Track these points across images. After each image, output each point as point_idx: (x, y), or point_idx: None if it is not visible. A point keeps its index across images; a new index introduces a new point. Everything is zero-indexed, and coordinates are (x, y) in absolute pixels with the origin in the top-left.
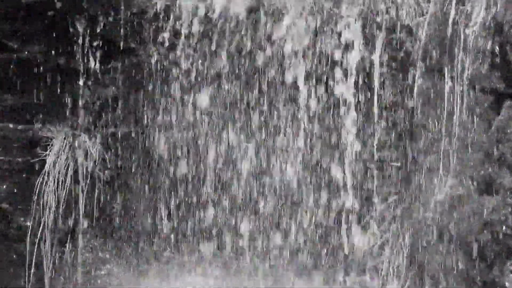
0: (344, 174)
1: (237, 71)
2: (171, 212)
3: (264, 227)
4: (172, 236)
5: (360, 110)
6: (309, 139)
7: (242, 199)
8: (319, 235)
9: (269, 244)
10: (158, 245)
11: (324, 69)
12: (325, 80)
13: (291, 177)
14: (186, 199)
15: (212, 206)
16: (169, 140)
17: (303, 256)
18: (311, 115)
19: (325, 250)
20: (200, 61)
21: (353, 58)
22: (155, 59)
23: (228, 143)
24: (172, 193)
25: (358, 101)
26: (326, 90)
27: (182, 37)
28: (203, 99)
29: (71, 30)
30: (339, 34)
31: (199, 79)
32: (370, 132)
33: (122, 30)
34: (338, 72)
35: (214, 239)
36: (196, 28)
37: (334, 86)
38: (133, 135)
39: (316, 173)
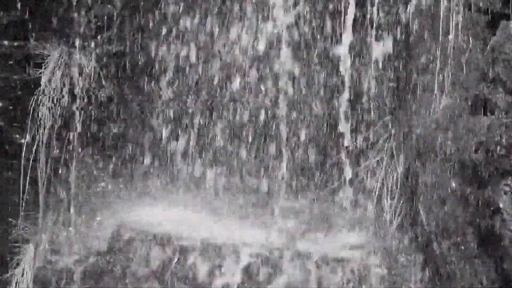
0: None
1: None
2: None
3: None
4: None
5: (355, 29)
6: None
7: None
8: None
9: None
10: (156, 163)
11: None
12: None
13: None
14: (182, 116)
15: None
16: (166, 56)
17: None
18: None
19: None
20: None
21: None
22: None
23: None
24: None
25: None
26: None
27: None
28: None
29: None
30: None
31: None
32: (365, 51)
33: None
34: None
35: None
36: None
37: None
38: (129, 53)
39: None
